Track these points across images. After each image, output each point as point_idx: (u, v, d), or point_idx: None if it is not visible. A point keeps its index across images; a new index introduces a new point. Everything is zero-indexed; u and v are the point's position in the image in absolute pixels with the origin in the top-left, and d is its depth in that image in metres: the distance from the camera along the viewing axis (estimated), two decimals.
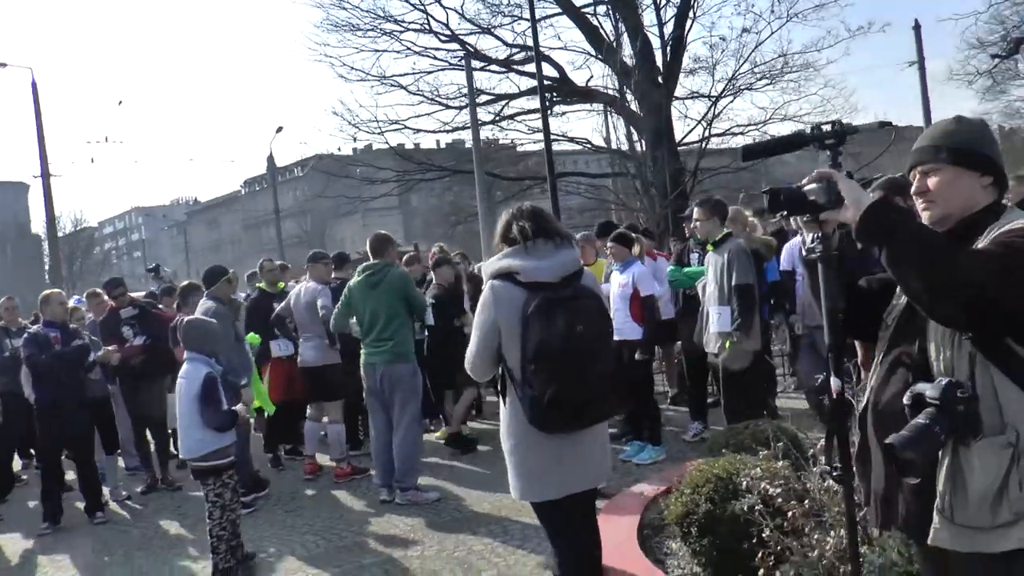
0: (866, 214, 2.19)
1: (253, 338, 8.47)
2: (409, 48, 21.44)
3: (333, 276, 9.86)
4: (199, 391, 5.65)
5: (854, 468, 2.45)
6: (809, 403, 7.00)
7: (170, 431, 8.79)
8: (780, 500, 3.58)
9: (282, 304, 8.82)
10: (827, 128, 2.49)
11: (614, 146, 21.65)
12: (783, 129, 22.80)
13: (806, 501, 3.52)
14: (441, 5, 21.05)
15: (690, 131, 20.44)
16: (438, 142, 39.95)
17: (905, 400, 2.12)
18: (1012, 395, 2.05)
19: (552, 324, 3.46)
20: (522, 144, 23.54)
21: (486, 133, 23.27)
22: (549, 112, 21.80)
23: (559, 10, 20.52)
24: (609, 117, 21.40)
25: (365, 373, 7.32)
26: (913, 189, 2.38)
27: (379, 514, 7.02)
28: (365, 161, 25.46)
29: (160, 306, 9.93)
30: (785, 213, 2.52)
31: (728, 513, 3.91)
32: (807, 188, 2.43)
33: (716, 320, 6.76)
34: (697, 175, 19.81)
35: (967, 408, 2.04)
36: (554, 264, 3.63)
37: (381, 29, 21.01)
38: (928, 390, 2.07)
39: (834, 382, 2.43)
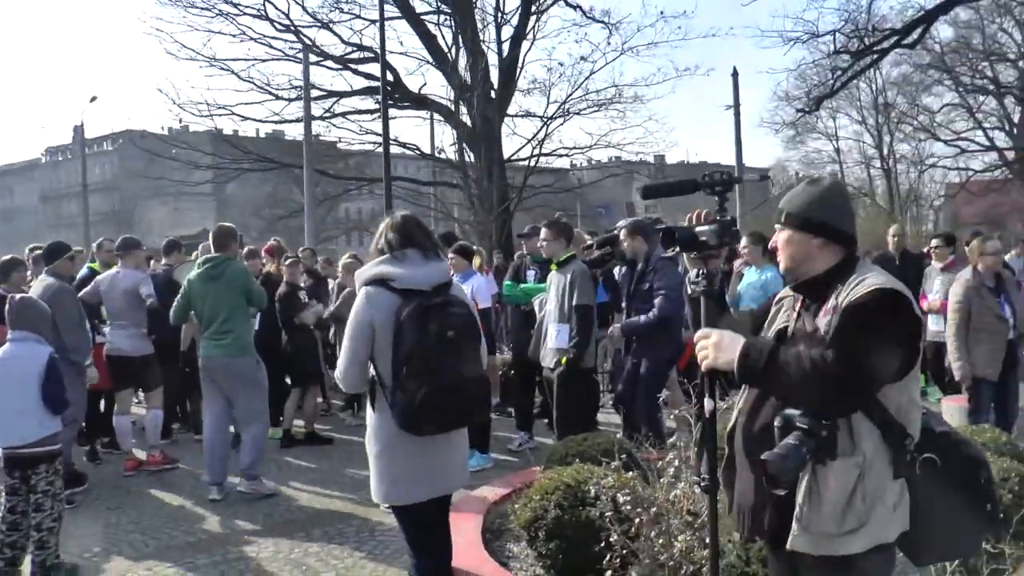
0: (739, 361, 2.49)
1: None
2: (244, 33, 20.96)
3: (163, 263, 9.59)
4: (43, 371, 5.39)
5: (720, 479, 2.75)
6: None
7: None
8: (628, 507, 3.88)
9: (87, 289, 8.28)
10: (718, 176, 2.79)
11: (442, 155, 21.99)
12: (606, 155, 23.90)
13: (652, 509, 3.84)
14: None
15: (520, 149, 21.00)
16: (258, 131, 38.93)
17: (776, 422, 2.44)
18: (864, 425, 2.43)
19: (425, 329, 3.60)
20: (350, 143, 23.31)
21: (315, 129, 23.01)
22: (374, 116, 21.99)
23: (399, 14, 20.61)
24: (440, 126, 21.75)
25: (204, 366, 7.20)
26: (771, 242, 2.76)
27: (209, 512, 6.84)
28: (181, 142, 24.56)
29: None
30: (677, 249, 2.82)
31: (576, 519, 4.19)
32: (699, 230, 2.74)
33: (555, 336, 7.06)
34: (523, 192, 20.38)
35: (829, 433, 2.38)
36: (426, 273, 3.79)
37: (217, 9, 20.40)
38: (797, 416, 2.40)
39: (707, 403, 2.73)
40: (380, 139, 21.72)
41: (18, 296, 5.99)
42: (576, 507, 4.24)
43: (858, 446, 2.41)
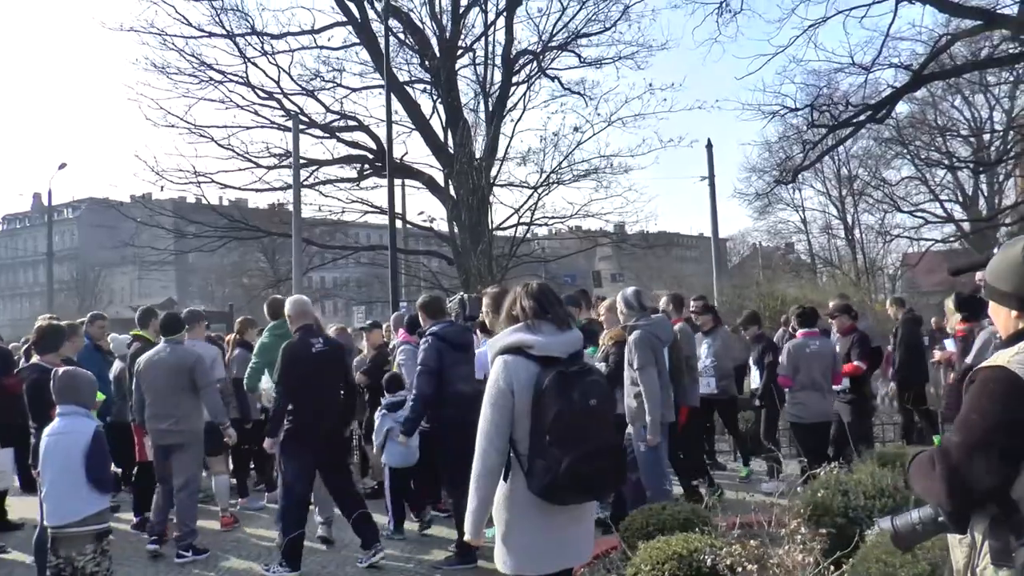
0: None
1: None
2: (229, 99, 21.08)
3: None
4: (88, 446, 5.21)
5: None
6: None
7: None
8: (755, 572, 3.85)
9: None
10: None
11: (428, 223, 22.11)
12: (590, 224, 24.17)
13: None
14: (269, 60, 20.98)
15: (507, 218, 21.16)
16: (220, 199, 39.09)
17: None
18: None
19: (568, 397, 3.58)
20: (338, 212, 23.35)
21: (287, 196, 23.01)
22: (357, 185, 22.09)
23: (382, 82, 20.85)
24: (425, 192, 21.89)
25: None
26: None
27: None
28: (149, 209, 24.39)
29: None
30: None
31: None
32: None
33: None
34: (509, 262, 20.47)
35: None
36: (563, 340, 3.78)
37: (207, 77, 20.56)
38: None
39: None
40: (363, 207, 22.11)
41: (62, 369, 5.77)
42: None
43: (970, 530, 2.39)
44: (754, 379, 9.95)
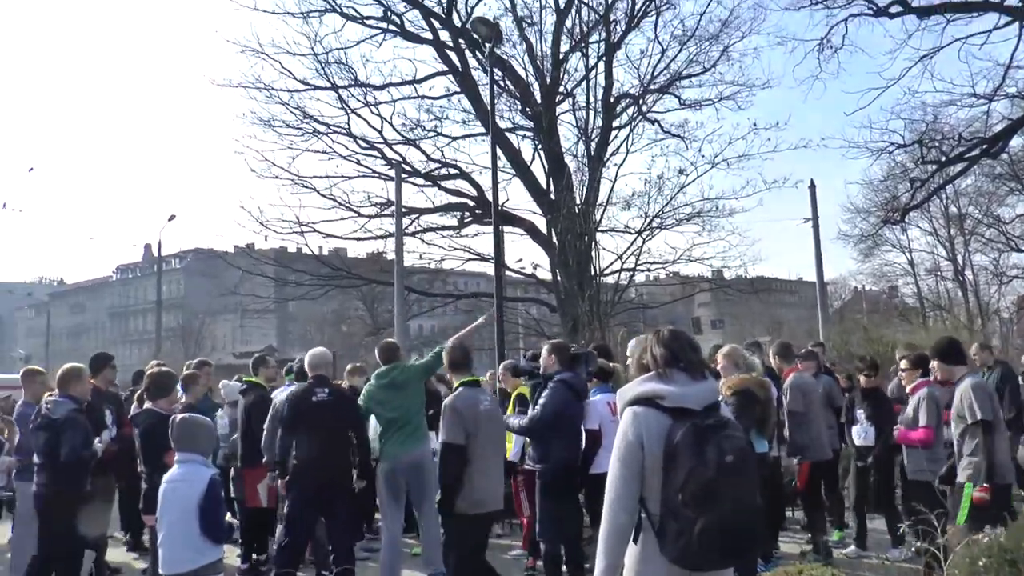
0: None
1: None
2: (332, 150, 21.45)
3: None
4: (203, 496, 5.19)
5: None
6: None
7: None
8: None
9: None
10: None
11: (529, 270, 22.01)
12: (690, 269, 23.71)
13: None
14: (372, 111, 21.33)
15: (610, 264, 20.88)
16: (321, 248, 40.05)
17: None
18: None
19: (703, 453, 3.32)
20: (437, 260, 23.47)
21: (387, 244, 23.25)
22: (457, 232, 22.14)
23: (483, 130, 20.96)
24: (527, 240, 21.83)
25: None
26: None
27: None
28: (252, 259, 24.80)
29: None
30: None
31: None
32: None
33: None
34: (612, 309, 20.14)
35: None
36: (698, 391, 3.52)
37: (311, 128, 21.02)
38: None
39: None
40: (464, 255, 22.13)
41: (180, 416, 5.81)
42: None
43: None
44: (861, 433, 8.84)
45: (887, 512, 8.63)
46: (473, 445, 6.39)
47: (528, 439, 7.74)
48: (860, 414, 8.80)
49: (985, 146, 20.72)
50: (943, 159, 21.00)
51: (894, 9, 19.12)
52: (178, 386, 8.08)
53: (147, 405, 7.64)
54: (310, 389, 7.37)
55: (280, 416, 7.59)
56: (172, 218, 55.98)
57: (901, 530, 7.71)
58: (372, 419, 8.00)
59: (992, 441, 6.13)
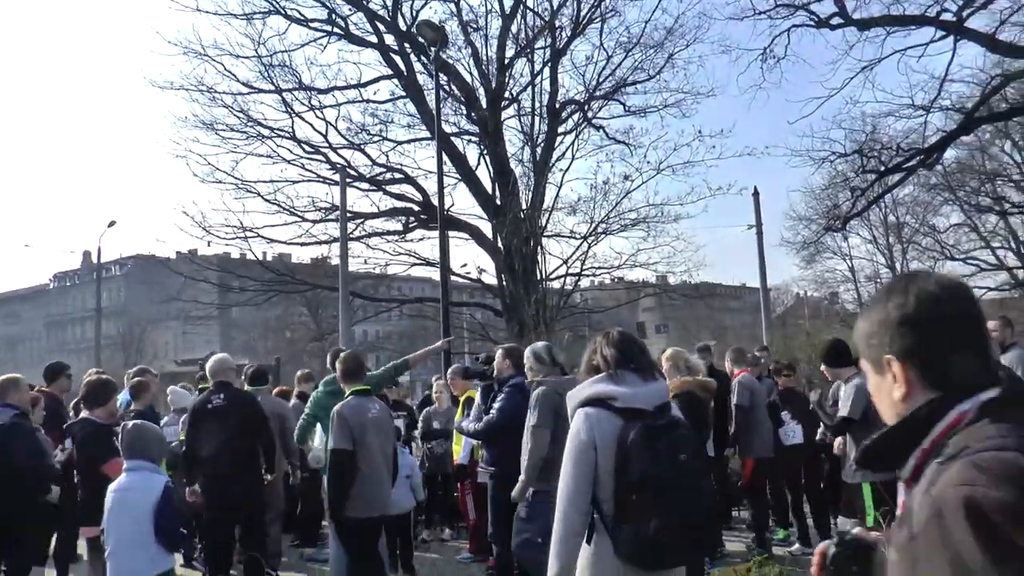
0: None
1: None
2: (276, 154, 21.22)
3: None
4: (156, 503, 5.03)
5: None
6: None
7: None
8: None
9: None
10: None
11: (475, 275, 21.97)
12: (635, 274, 23.85)
13: None
14: (316, 115, 21.15)
15: (556, 269, 20.89)
16: (265, 253, 39.71)
17: None
18: None
19: (656, 452, 3.32)
20: (382, 265, 23.31)
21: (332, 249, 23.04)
22: (402, 237, 22.04)
23: (428, 134, 20.87)
24: (472, 245, 21.77)
25: None
26: None
27: None
28: (194, 265, 24.26)
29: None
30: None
31: None
32: None
33: None
34: (558, 313, 20.18)
35: None
36: (648, 392, 3.51)
37: (255, 132, 20.76)
38: None
39: None
40: (409, 260, 22.01)
41: (131, 423, 5.64)
42: None
43: None
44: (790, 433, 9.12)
45: (816, 509, 9.03)
46: (361, 452, 6.37)
47: (480, 443, 7.68)
48: (785, 415, 9.06)
49: (921, 157, 21.16)
50: (882, 169, 21.39)
51: (835, 21, 19.46)
52: (118, 395, 7.84)
53: (84, 414, 7.36)
54: (207, 397, 7.60)
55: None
56: (112, 224, 54.55)
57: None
58: (318, 427, 7.83)
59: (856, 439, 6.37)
